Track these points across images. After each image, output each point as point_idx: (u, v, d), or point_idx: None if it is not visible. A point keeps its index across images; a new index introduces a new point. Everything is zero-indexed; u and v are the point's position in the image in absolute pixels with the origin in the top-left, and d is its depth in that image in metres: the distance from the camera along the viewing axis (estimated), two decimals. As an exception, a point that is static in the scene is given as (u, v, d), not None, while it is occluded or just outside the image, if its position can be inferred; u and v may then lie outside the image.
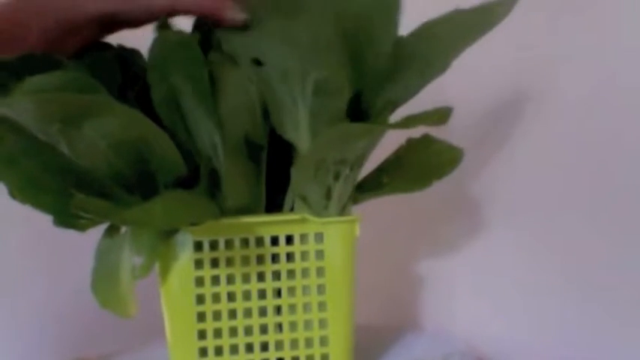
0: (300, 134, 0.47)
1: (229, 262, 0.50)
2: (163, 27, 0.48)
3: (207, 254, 0.50)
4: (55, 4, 0.46)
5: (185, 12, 0.47)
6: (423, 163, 0.54)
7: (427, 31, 0.48)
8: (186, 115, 0.48)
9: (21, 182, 0.43)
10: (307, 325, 0.52)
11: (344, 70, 0.44)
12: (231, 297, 0.50)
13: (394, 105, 0.49)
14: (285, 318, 0.51)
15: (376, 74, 0.46)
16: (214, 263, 0.50)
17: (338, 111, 0.45)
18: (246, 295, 0.51)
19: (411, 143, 0.56)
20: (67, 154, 0.45)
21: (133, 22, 0.47)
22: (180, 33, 0.49)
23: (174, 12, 0.47)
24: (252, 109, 0.48)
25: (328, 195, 0.49)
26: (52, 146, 0.44)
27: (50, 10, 0.46)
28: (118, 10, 0.46)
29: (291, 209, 0.52)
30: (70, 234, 0.48)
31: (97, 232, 0.52)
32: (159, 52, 0.47)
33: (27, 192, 0.43)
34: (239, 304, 0.51)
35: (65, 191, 0.45)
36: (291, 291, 0.52)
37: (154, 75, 0.47)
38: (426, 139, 0.55)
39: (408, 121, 0.44)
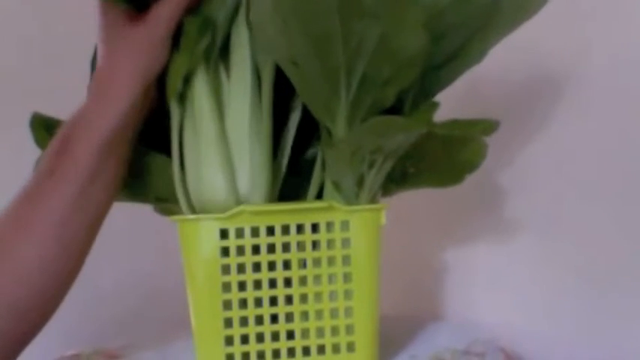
0: (337, 123, 0.46)
1: (255, 249, 0.50)
2: None
3: (232, 242, 0.49)
4: None
5: None
6: (449, 153, 0.54)
7: (463, 21, 0.47)
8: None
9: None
10: (333, 313, 0.51)
11: (390, 64, 0.43)
12: (257, 285, 0.50)
13: (429, 95, 0.48)
14: (311, 306, 0.51)
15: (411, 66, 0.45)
16: (240, 251, 0.49)
17: (380, 103, 0.44)
18: (273, 283, 0.50)
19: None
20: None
21: None
22: None
23: None
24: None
25: (360, 183, 0.49)
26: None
27: None
28: None
29: (317, 196, 0.52)
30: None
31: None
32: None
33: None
34: (265, 293, 0.50)
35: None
36: (317, 279, 0.51)
37: None
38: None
39: (453, 127, 0.43)
